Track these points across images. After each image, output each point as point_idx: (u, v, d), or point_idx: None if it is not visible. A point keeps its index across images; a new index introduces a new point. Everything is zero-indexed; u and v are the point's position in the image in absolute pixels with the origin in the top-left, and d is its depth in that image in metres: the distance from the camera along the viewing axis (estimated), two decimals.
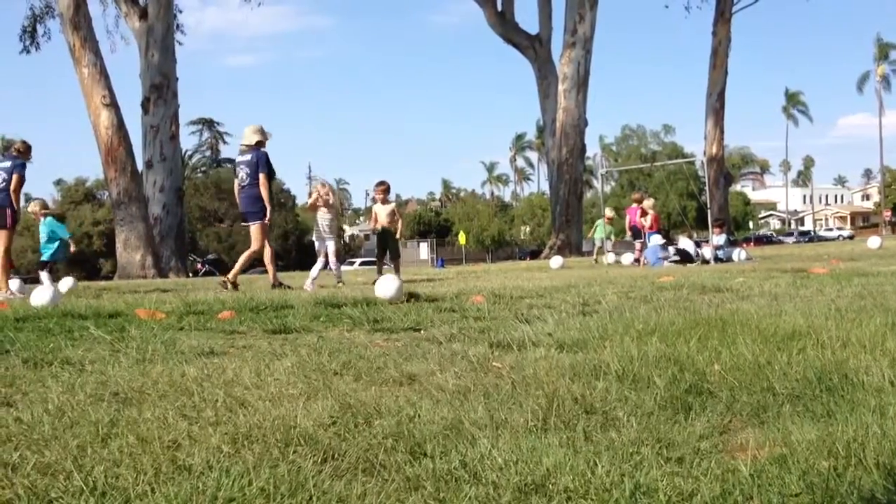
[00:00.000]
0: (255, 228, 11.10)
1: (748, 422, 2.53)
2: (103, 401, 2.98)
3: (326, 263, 11.68)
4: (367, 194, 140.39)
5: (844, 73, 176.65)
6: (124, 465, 2.16)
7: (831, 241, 60.86)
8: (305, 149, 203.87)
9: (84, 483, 2.01)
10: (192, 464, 2.16)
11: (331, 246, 11.38)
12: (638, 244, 18.86)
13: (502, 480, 1.99)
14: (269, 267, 11.64)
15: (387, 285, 7.20)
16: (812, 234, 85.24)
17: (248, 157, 11.22)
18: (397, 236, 12.94)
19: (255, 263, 14.70)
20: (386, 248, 12.74)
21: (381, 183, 12.85)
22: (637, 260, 18.48)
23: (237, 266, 11.31)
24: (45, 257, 13.36)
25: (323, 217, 11.45)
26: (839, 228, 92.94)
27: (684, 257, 17.05)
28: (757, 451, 2.19)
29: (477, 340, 4.35)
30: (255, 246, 11.16)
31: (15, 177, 11.37)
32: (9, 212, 11.42)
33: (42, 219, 13.60)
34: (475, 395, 2.92)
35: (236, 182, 11.46)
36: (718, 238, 18.39)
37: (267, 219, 11.13)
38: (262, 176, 11.01)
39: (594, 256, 22.79)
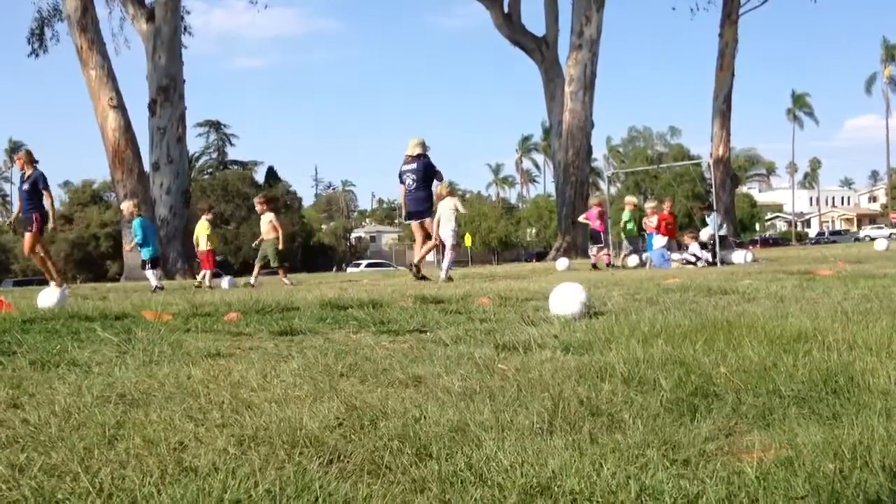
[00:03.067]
0: (427, 222, 13.20)
1: (754, 424, 2.53)
2: (110, 402, 2.99)
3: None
4: (374, 196, 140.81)
5: (851, 76, 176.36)
6: (131, 467, 2.16)
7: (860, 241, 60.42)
8: (312, 151, 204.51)
9: (91, 484, 2.02)
10: (199, 465, 2.17)
11: (449, 240, 12.76)
12: (595, 249, 18.54)
13: (508, 482, 1.99)
14: (422, 254, 13.58)
15: (567, 297, 5.48)
16: (824, 233, 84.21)
17: (413, 165, 13.24)
18: (279, 245, 14.96)
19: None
20: (265, 256, 14.64)
21: (262, 195, 14.55)
22: (594, 265, 17.98)
23: (421, 255, 13.50)
24: (144, 256, 14.23)
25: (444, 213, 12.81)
26: (845, 230, 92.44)
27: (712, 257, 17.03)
28: (763, 454, 2.18)
29: (483, 342, 4.35)
30: (419, 239, 13.52)
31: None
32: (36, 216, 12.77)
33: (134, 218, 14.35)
34: (481, 397, 2.92)
35: (403, 187, 13.46)
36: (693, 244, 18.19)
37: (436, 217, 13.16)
38: (435, 181, 13.32)
39: (621, 258, 19.15)
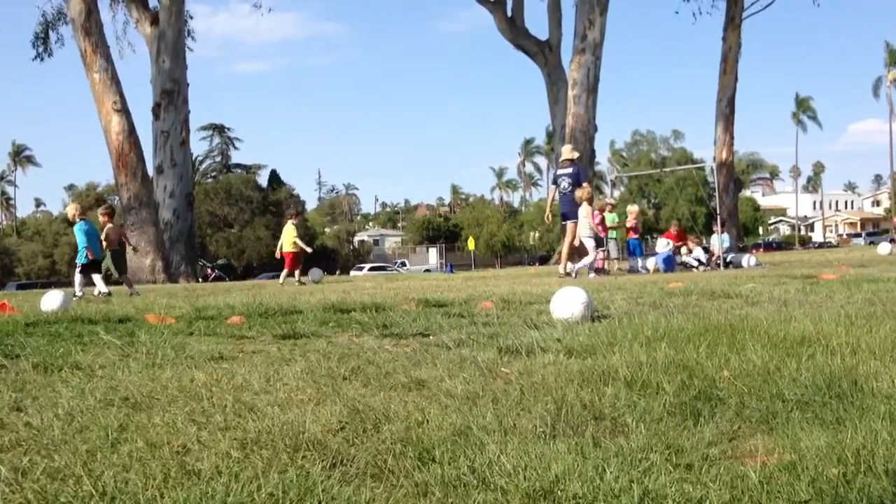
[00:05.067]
0: (571, 226, 14.34)
1: (757, 428, 2.52)
2: (113, 406, 2.99)
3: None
4: (377, 199, 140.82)
5: (855, 79, 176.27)
6: (134, 470, 2.16)
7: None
8: (315, 155, 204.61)
9: (94, 488, 2.02)
10: (202, 469, 2.17)
11: (586, 243, 14.10)
12: (600, 252, 18.31)
13: (511, 486, 1.99)
14: (567, 255, 14.79)
15: (570, 301, 5.42)
16: (861, 235, 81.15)
17: (568, 170, 14.61)
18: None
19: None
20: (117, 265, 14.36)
21: (104, 205, 14.70)
22: (598, 269, 17.71)
23: (564, 256, 14.77)
24: (83, 261, 13.46)
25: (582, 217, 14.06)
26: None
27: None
28: (766, 458, 2.18)
29: (486, 346, 4.35)
30: (568, 238, 14.49)
31: None
32: None
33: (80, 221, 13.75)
34: (484, 400, 2.92)
35: (555, 189, 14.98)
36: (698, 250, 18.14)
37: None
38: (585, 184, 14.35)
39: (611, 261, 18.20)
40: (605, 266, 17.55)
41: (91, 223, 14.01)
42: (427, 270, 51.38)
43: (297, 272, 17.54)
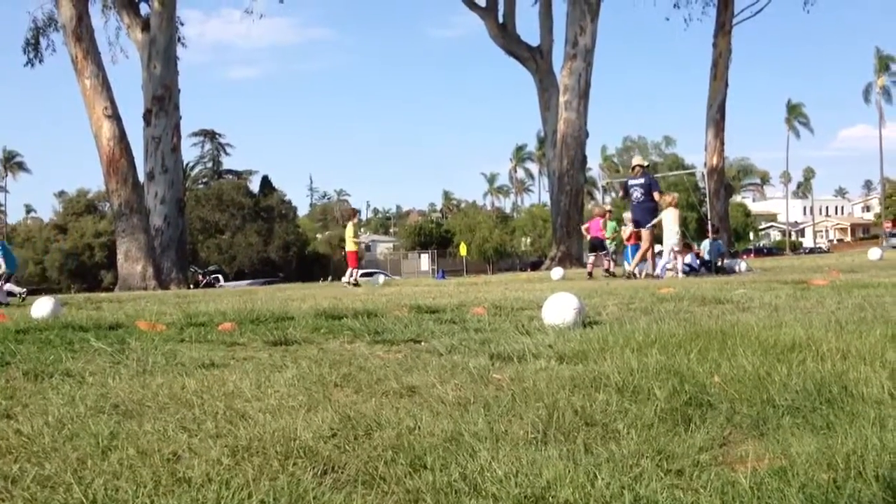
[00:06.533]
0: (646, 233, 14.96)
1: (748, 434, 2.53)
2: (103, 413, 2.98)
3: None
4: (368, 205, 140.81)
5: (845, 85, 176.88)
6: (124, 478, 2.16)
7: None
8: (307, 161, 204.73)
9: (84, 496, 2.01)
10: (192, 476, 2.16)
11: (669, 246, 14.74)
12: (593, 258, 18.42)
13: (502, 493, 1.99)
14: (641, 258, 15.32)
15: (562, 307, 5.42)
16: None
17: (640, 180, 15.13)
18: None
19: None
20: None
21: None
22: (590, 274, 17.81)
23: (635, 261, 15.36)
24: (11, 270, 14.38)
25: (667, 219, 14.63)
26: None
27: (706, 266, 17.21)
28: (756, 464, 2.19)
29: (477, 352, 4.35)
30: (645, 245, 15.11)
31: None
32: None
33: None
34: (475, 407, 2.92)
35: (629, 199, 15.48)
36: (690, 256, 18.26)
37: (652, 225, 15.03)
38: (656, 193, 14.98)
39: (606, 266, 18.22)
40: (611, 269, 17.67)
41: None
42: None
43: (355, 272, 18.43)
